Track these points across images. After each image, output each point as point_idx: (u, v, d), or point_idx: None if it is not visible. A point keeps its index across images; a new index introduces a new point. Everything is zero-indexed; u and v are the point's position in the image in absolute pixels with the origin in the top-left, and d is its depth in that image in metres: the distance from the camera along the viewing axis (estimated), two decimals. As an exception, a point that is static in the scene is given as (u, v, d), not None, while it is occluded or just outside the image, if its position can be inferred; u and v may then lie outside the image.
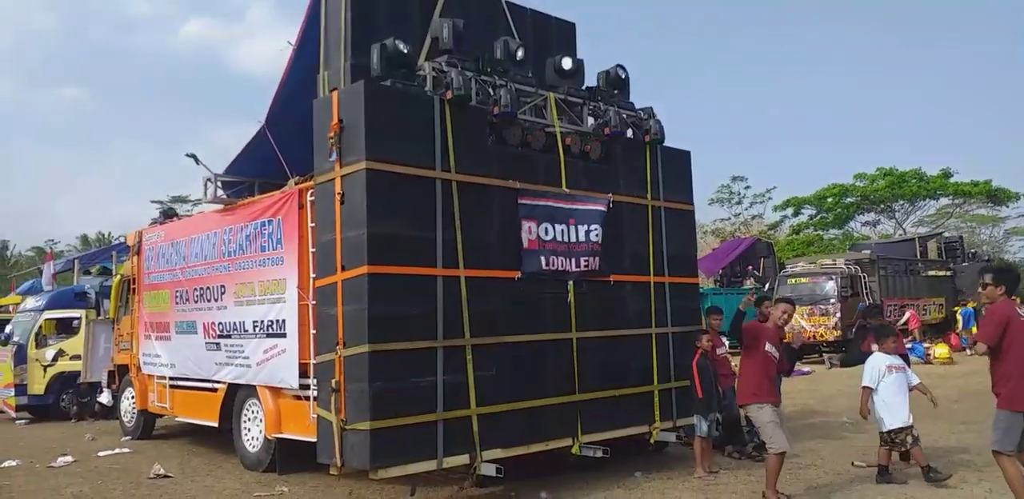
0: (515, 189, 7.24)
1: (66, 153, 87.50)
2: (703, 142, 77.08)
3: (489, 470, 6.62)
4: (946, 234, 32.55)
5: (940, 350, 20.48)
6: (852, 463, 8.12)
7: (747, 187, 45.65)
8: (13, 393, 14.71)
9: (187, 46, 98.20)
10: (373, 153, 6.30)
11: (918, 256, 27.50)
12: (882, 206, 42.35)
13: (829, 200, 41.50)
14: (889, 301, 23.03)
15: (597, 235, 7.81)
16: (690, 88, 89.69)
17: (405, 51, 6.84)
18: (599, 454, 7.44)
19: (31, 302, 16.58)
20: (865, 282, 21.88)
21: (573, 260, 7.61)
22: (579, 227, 7.70)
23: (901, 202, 42.11)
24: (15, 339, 15.22)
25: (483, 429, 6.65)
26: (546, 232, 7.42)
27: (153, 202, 42.13)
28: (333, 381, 6.31)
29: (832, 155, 76.10)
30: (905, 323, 22.76)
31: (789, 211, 43.46)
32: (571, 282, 7.57)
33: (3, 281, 37.41)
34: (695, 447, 7.90)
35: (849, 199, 41.59)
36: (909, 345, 21.03)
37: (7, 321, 16.88)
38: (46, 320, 15.24)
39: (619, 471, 7.89)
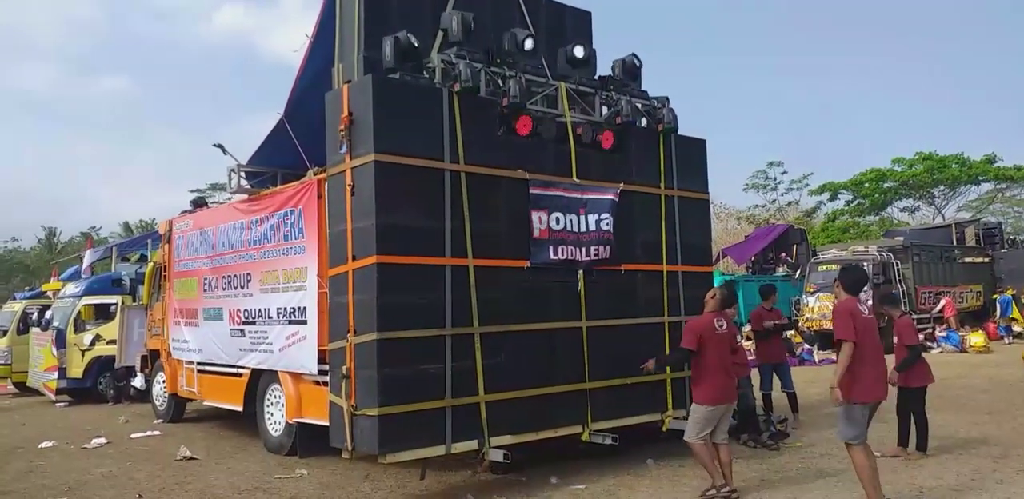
0: (524, 179, 7.32)
1: (109, 141, 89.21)
2: (741, 128, 76.37)
3: (497, 456, 6.76)
4: (984, 220, 31.87)
5: (976, 339, 20.16)
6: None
7: (784, 173, 45.19)
8: (54, 376, 15.22)
9: (222, 34, 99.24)
10: (382, 145, 6.42)
11: (955, 242, 27.01)
12: (921, 191, 41.60)
13: (866, 185, 40.87)
14: (924, 288, 22.70)
15: (608, 224, 7.85)
16: (729, 72, 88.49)
17: (415, 44, 6.92)
18: (608, 442, 7.54)
19: (71, 288, 17.08)
20: (898, 269, 21.57)
21: (583, 249, 7.67)
22: (589, 216, 7.76)
23: (941, 187, 41.33)
24: (55, 324, 15.71)
25: (492, 416, 6.77)
26: (556, 222, 7.49)
27: (192, 191, 43.04)
28: (344, 368, 6.48)
29: (871, 140, 74.69)
30: (940, 311, 22.46)
31: (825, 197, 42.92)
32: (581, 271, 7.65)
33: (50, 268, 38.41)
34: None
35: (887, 184, 40.92)
36: (944, 333, 20.86)
37: (49, 307, 17.41)
38: (84, 306, 15.69)
39: (631, 458, 7.98)
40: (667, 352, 8.20)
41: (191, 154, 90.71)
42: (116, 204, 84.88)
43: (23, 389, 17.38)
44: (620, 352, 7.87)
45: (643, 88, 8.56)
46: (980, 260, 26.47)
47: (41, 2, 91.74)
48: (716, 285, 8.31)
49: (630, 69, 8.50)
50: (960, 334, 20.89)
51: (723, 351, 6.63)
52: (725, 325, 6.70)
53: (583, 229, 7.72)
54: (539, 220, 7.38)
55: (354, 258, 6.52)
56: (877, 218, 42.12)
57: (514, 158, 7.31)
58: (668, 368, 8.20)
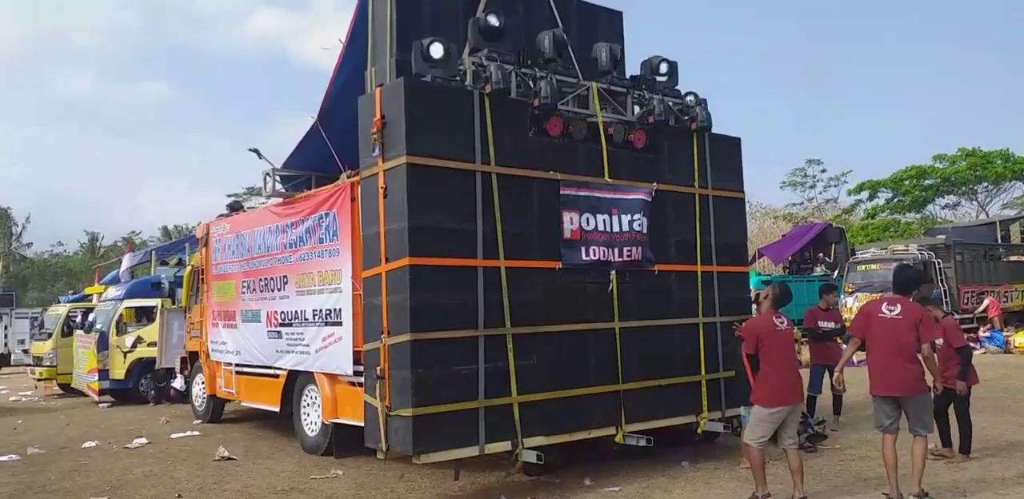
0: (556, 180, 7.31)
1: (148, 146, 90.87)
2: (779, 127, 75.50)
3: (530, 457, 6.75)
4: (1030, 217, 31.14)
5: (1021, 339, 19.74)
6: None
7: (823, 170, 44.58)
8: (96, 378, 15.52)
9: (256, 38, 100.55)
10: (414, 148, 6.46)
11: (999, 240, 26.42)
12: (964, 188, 40.75)
13: (906, 183, 40.13)
14: (967, 288, 22.27)
15: (641, 225, 7.81)
16: (769, 70, 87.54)
17: (446, 47, 6.94)
18: (643, 443, 7.49)
19: (112, 291, 17.43)
20: (940, 268, 21.18)
21: (616, 250, 7.64)
22: (622, 217, 7.72)
23: (985, 184, 40.45)
24: (98, 326, 16.02)
25: (525, 417, 6.77)
26: (588, 222, 7.47)
27: (228, 195, 43.66)
28: (378, 368, 6.53)
29: (912, 136, 73.39)
30: (984, 311, 22.00)
31: (864, 195, 42.24)
32: (614, 272, 7.61)
33: (92, 271, 39.25)
34: (743, 438, 7.86)
35: (928, 181, 40.14)
36: (987, 333, 20.42)
37: (92, 310, 17.77)
38: (125, 308, 16.00)
39: (666, 460, 7.94)
40: (702, 352, 8.15)
41: (228, 158, 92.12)
42: (156, 209, 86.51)
43: (68, 390, 17.77)
44: (654, 353, 7.84)
45: (678, 86, 8.50)
46: (1026, 258, 25.88)
47: (81, 9, 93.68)
48: (752, 285, 8.22)
49: (660, 68, 8.45)
50: (1004, 334, 20.45)
51: (785, 348, 6.45)
52: (785, 322, 6.51)
53: (615, 229, 7.68)
54: (570, 221, 7.37)
55: (387, 260, 6.57)
56: (918, 216, 41.35)
57: (545, 159, 7.31)
58: (703, 369, 8.15)
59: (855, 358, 19.31)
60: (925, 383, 6.24)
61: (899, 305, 6.32)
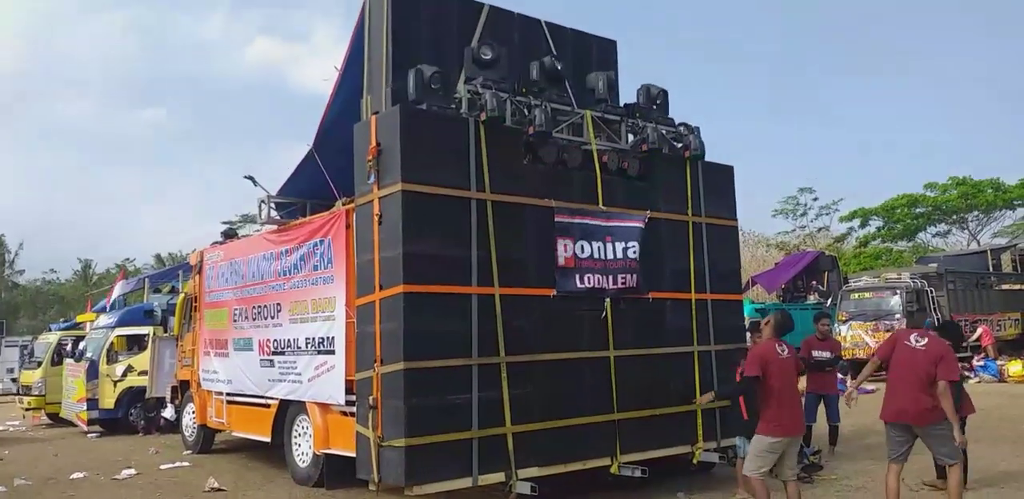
0: (550, 208, 7.32)
1: (145, 173, 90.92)
2: (769, 154, 76.13)
3: (524, 488, 6.66)
4: (1021, 245, 31.24)
5: (1015, 367, 19.66)
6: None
7: (815, 199, 44.78)
8: (85, 407, 15.32)
9: (254, 67, 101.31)
10: (409, 175, 6.48)
11: (991, 269, 26.50)
12: (955, 217, 40.96)
13: (898, 211, 40.31)
14: (960, 316, 22.23)
15: (635, 252, 7.82)
16: (755, 99, 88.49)
17: (440, 76, 6.99)
18: (638, 474, 7.41)
19: (104, 319, 17.28)
20: (932, 297, 21.19)
21: (610, 278, 7.63)
22: (616, 244, 7.73)
23: (975, 213, 40.66)
24: (88, 355, 15.86)
25: (519, 447, 6.70)
26: (582, 250, 7.47)
27: (223, 223, 43.61)
28: (371, 398, 6.47)
29: (902, 165, 73.99)
30: (978, 339, 21.96)
31: (856, 223, 42.39)
32: (608, 300, 7.59)
33: (85, 299, 39.05)
34: (738, 468, 7.77)
35: (919, 210, 40.34)
36: (981, 362, 20.36)
37: (83, 338, 17.61)
38: (117, 336, 15.85)
39: (661, 490, 7.84)
40: (697, 381, 8.09)
41: (224, 185, 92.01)
42: (150, 235, 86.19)
43: (56, 420, 17.53)
44: (649, 382, 7.80)
45: (670, 115, 8.57)
46: (1018, 287, 25.94)
47: (84, 37, 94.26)
48: (746, 313, 8.19)
49: (653, 97, 8.53)
50: (998, 363, 20.39)
51: (788, 377, 6.31)
52: (787, 350, 6.36)
53: (610, 257, 7.68)
54: (564, 248, 7.37)
55: (381, 287, 6.54)
56: (910, 244, 41.48)
57: (540, 186, 7.33)
58: (697, 403, 8.08)
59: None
60: (941, 412, 6.21)
61: (927, 339, 6.45)
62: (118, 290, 20.38)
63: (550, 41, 8.61)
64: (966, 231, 42.25)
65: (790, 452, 6.25)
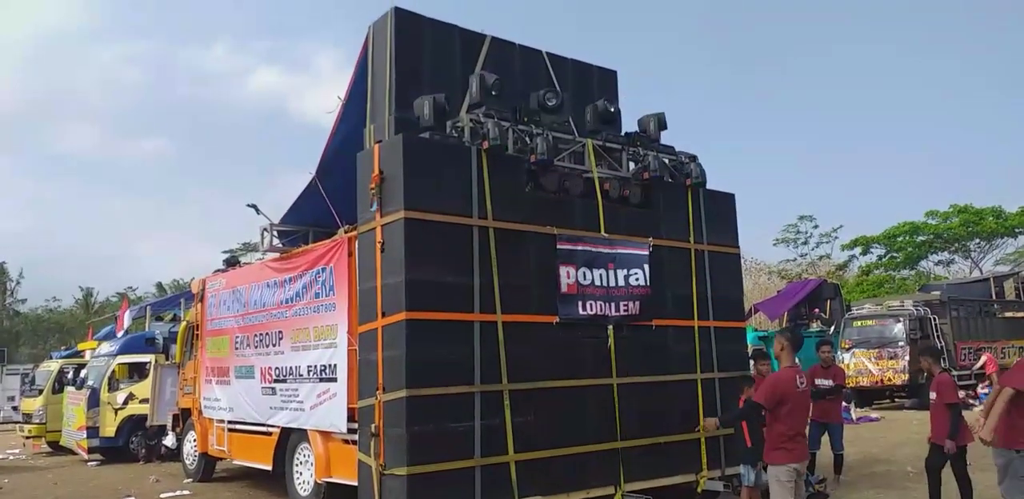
0: (553, 235, 7.36)
1: (147, 202, 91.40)
2: (769, 183, 76.38)
3: (527, 517, 6.61)
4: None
5: (1020, 395, 19.53)
6: None
7: (815, 226, 44.88)
8: (86, 435, 15.25)
9: (257, 96, 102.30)
10: (411, 203, 6.53)
11: (993, 296, 26.45)
12: (957, 245, 40.98)
13: (899, 239, 40.36)
14: (964, 344, 22.17)
15: (637, 279, 7.84)
16: (754, 125, 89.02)
17: (443, 105, 7.08)
18: (642, 503, 7.35)
19: (106, 347, 17.25)
20: (936, 324, 21.13)
21: (613, 305, 7.64)
22: (619, 271, 7.75)
23: (977, 240, 40.70)
24: (89, 383, 15.82)
25: (521, 476, 6.66)
26: (584, 277, 7.50)
27: (224, 252, 43.70)
28: (373, 426, 6.45)
29: (903, 193, 74.22)
30: (982, 367, 21.87)
31: (857, 251, 42.42)
32: (611, 327, 7.60)
33: (86, 327, 39.00)
34: (742, 497, 7.73)
35: (921, 238, 40.39)
36: (985, 390, 20.23)
37: (84, 366, 17.57)
38: (118, 364, 15.82)
39: (665, 520, 7.78)
40: (700, 409, 8.05)
41: (226, 214, 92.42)
42: (152, 264, 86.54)
43: (57, 448, 17.43)
44: (653, 409, 7.77)
45: (671, 143, 8.65)
46: (1021, 314, 25.82)
47: (88, 67, 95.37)
48: (749, 341, 8.16)
49: (653, 125, 8.61)
50: (1004, 391, 20.25)
51: (802, 409, 6.20)
52: (805, 383, 6.19)
53: (612, 284, 7.70)
54: (567, 275, 7.39)
55: (383, 314, 6.56)
56: (912, 272, 41.45)
57: (542, 214, 7.37)
58: (702, 427, 8.05)
59: (854, 416, 19.00)
60: None
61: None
62: (128, 319, 20.34)
63: (551, 70, 8.72)
64: (969, 259, 42.24)
65: (798, 482, 6.19)
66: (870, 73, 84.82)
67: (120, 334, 19.21)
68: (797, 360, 6.26)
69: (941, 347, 20.22)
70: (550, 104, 7.75)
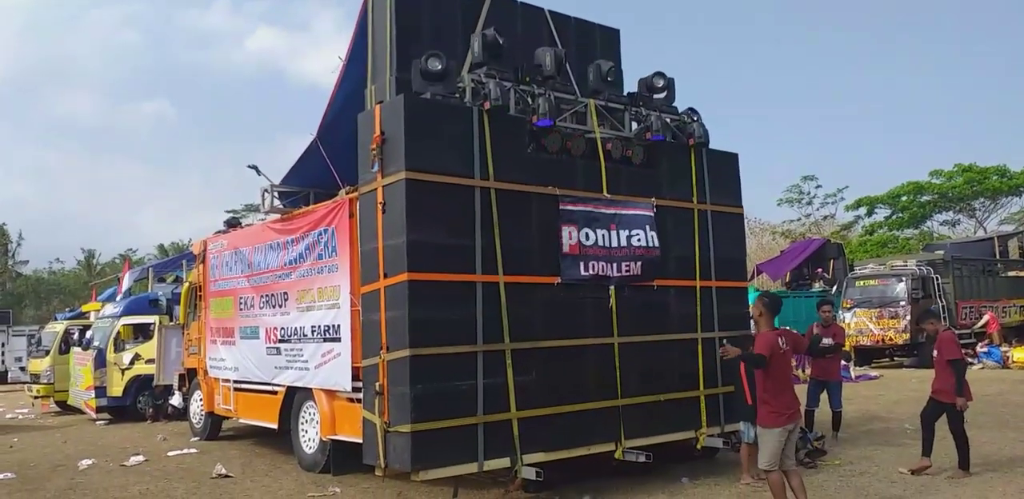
0: (555, 195, 7.34)
1: (148, 165, 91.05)
2: (773, 142, 75.83)
3: (529, 473, 6.72)
4: (1028, 232, 31.19)
5: (1019, 354, 19.71)
6: (899, 470, 7.93)
7: (818, 187, 44.71)
8: (94, 395, 15.43)
9: (256, 57, 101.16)
10: (413, 163, 6.49)
11: (997, 256, 26.48)
12: (961, 204, 40.84)
13: (904, 199, 40.21)
14: (965, 303, 22.29)
15: (639, 240, 7.83)
16: (761, 88, 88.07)
17: (444, 65, 7.00)
18: (642, 459, 7.45)
19: (110, 309, 17.36)
20: (938, 284, 21.20)
21: (614, 265, 7.65)
22: (621, 232, 7.74)
23: (982, 200, 40.54)
24: (95, 344, 15.97)
25: (524, 433, 6.75)
26: (587, 237, 7.49)
27: (227, 212, 43.70)
28: (377, 384, 6.52)
29: (908, 152, 73.65)
30: (983, 326, 22.00)
31: (862, 211, 42.32)
32: (612, 287, 7.62)
33: (88, 289, 39.19)
34: (742, 453, 7.84)
35: (925, 197, 40.23)
36: (985, 349, 20.40)
37: (90, 327, 17.71)
38: (123, 326, 15.94)
39: (665, 476, 7.90)
40: (700, 368, 8.13)
41: (227, 176, 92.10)
42: (154, 226, 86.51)
43: (65, 408, 17.67)
44: (653, 368, 7.84)
45: (674, 103, 8.56)
46: (1024, 274, 25.92)
47: (85, 31, 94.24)
48: (751, 301, 8.16)
49: (656, 85, 8.51)
50: (1002, 349, 20.42)
51: (786, 370, 6.34)
52: (786, 343, 6.28)
53: (614, 245, 7.69)
54: (569, 235, 7.38)
55: (386, 275, 6.58)
56: (916, 232, 41.37)
57: (544, 175, 7.34)
58: (701, 385, 8.13)
59: (853, 374, 19.19)
60: None
61: None
62: (128, 280, 20.45)
63: (553, 29, 8.59)
64: (973, 219, 42.13)
65: (790, 439, 6.27)
66: (874, 30, 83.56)
67: (120, 297, 19.32)
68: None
69: (942, 306, 20.32)
70: (556, 67, 7.64)
